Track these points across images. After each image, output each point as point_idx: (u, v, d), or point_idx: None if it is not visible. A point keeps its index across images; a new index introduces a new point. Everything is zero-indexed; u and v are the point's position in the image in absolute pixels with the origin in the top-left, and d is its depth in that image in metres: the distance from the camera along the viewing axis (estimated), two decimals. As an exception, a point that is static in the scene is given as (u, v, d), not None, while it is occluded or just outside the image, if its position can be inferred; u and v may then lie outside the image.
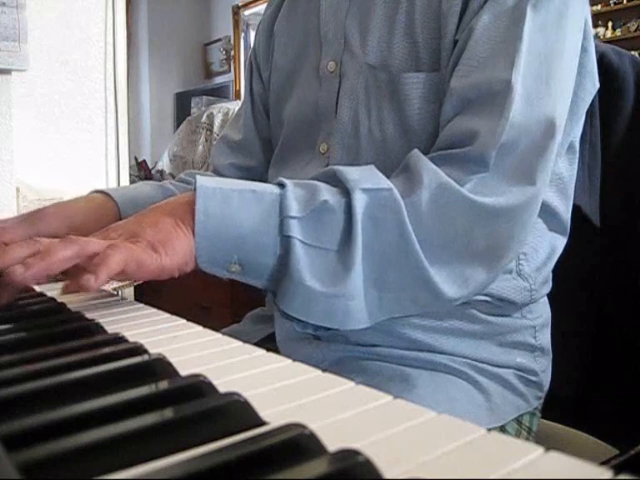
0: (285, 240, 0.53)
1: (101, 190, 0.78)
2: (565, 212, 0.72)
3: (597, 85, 0.70)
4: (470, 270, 0.58)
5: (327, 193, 0.55)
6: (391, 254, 0.55)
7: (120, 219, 0.73)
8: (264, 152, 0.88)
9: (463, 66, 0.61)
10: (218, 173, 0.91)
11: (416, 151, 0.59)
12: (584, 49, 0.65)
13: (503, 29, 0.60)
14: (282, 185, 0.56)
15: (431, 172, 0.56)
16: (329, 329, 0.57)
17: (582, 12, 0.64)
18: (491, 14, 0.60)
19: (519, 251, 0.67)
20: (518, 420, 0.72)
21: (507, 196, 0.58)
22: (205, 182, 0.54)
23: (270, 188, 0.55)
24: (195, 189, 0.53)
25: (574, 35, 0.63)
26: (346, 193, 0.55)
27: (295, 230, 0.53)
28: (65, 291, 0.48)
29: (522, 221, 0.60)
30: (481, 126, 0.58)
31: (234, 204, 0.53)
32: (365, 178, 0.56)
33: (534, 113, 0.59)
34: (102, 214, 0.73)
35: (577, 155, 0.72)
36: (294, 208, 0.53)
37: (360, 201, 0.54)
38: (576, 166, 0.73)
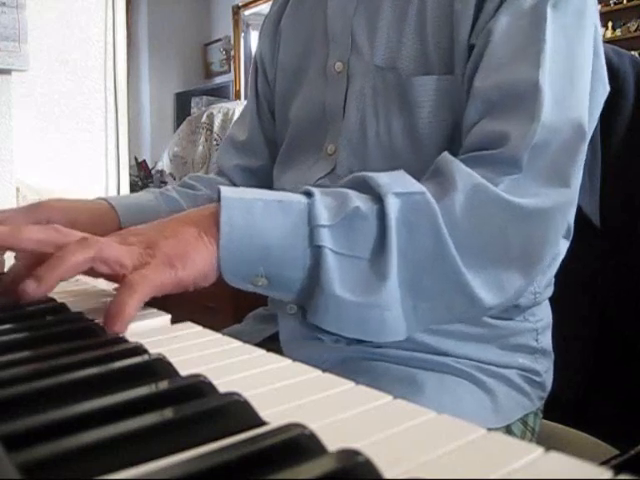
0: (315, 250, 0.51)
1: (103, 198, 0.77)
2: (571, 216, 0.72)
3: (607, 89, 0.69)
4: (506, 275, 0.56)
5: (358, 200, 0.53)
6: (426, 260, 0.53)
7: (119, 225, 0.73)
8: (270, 152, 0.88)
9: (485, 68, 0.60)
10: (223, 174, 0.90)
11: (446, 153, 0.58)
12: (595, 53, 0.65)
13: (524, 30, 0.59)
14: (309, 194, 0.53)
15: (464, 174, 0.55)
16: (361, 341, 0.55)
17: (596, 14, 0.64)
18: (510, 15, 0.60)
19: (552, 255, 0.65)
20: (524, 420, 0.72)
21: (542, 198, 0.56)
22: (229, 193, 0.51)
23: (297, 197, 0.53)
24: (219, 200, 0.51)
25: (590, 35, 0.63)
26: (378, 199, 0.53)
27: (326, 239, 0.51)
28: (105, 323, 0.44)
29: (556, 223, 0.58)
30: (512, 128, 0.57)
31: (259, 214, 0.51)
32: (396, 182, 0.54)
33: (563, 114, 0.58)
34: (100, 218, 0.73)
35: (584, 159, 0.72)
36: (324, 216, 0.51)
37: (393, 206, 0.52)
38: (582, 169, 0.73)
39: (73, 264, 0.45)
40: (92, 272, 0.47)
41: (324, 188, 0.55)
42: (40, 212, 0.67)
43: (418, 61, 0.66)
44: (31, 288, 0.45)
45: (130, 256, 0.47)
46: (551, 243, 0.59)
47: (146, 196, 0.81)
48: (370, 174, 0.56)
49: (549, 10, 0.59)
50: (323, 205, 0.52)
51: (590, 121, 0.68)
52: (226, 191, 0.52)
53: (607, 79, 0.69)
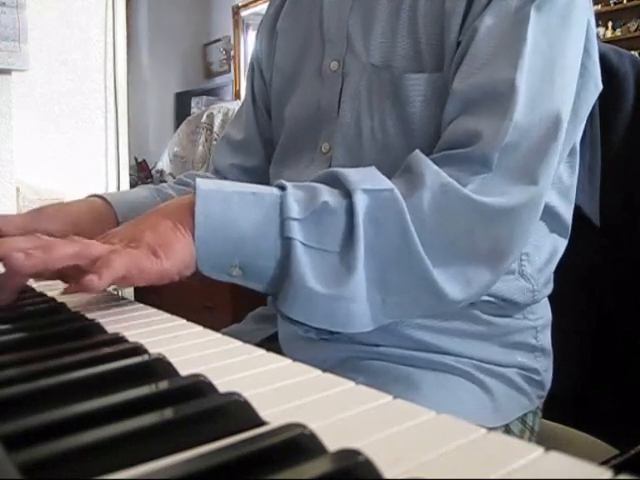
0: (286, 242, 0.52)
1: (99, 195, 0.78)
2: (567, 214, 0.72)
3: (600, 87, 0.69)
4: (473, 271, 0.57)
5: (328, 194, 0.55)
6: (393, 255, 0.55)
7: (117, 222, 0.73)
8: (266, 152, 0.88)
9: (466, 67, 0.61)
10: (219, 173, 0.90)
11: (417, 152, 0.59)
12: (586, 51, 0.65)
13: (506, 30, 0.60)
14: (282, 187, 0.55)
15: (433, 172, 0.56)
16: (332, 332, 0.56)
17: (585, 14, 0.64)
18: (495, 15, 0.60)
19: (521, 251, 0.66)
20: (523, 419, 0.72)
21: (509, 196, 0.57)
22: (204, 184, 0.53)
23: (270, 190, 0.55)
24: (195, 191, 0.53)
25: (577, 37, 0.63)
26: (347, 194, 0.55)
27: (296, 232, 0.52)
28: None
29: (524, 220, 0.59)
30: (484, 126, 0.57)
31: (234, 206, 0.52)
32: (366, 179, 0.56)
33: (537, 114, 0.59)
34: (99, 217, 0.73)
35: (577, 158, 0.72)
36: (295, 210, 0.53)
37: (361, 202, 0.54)
38: (577, 168, 0.73)
39: (61, 254, 0.47)
40: (78, 270, 0.48)
41: (298, 183, 0.57)
42: (40, 220, 0.68)
43: (411, 59, 0.66)
44: (19, 259, 0.46)
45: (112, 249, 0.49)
46: (519, 239, 0.60)
47: (142, 192, 0.82)
48: (341, 170, 0.57)
49: (533, 11, 0.59)
50: (294, 198, 0.53)
51: (578, 121, 0.68)
52: (202, 183, 0.53)
53: (600, 78, 0.69)
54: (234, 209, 0.52)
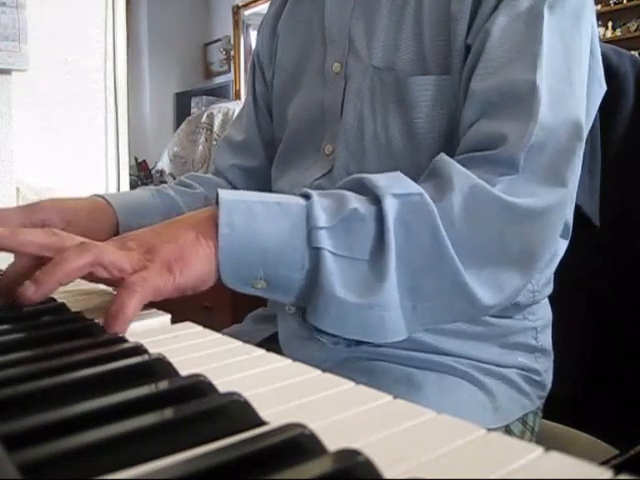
0: (314, 252, 0.51)
1: (100, 195, 0.77)
2: (568, 215, 0.72)
3: (604, 88, 0.69)
4: (505, 275, 0.56)
5: (356, 201, 0.53)
6: (425, 261, 0.53)
7: (116, 222, 0.73)
8: (267, 153, 0.88)
9: (482, 69, 0.60)
10: (220, 174, 0.90)
11: (442, 155, 0.58)
12: (592, 52, 0.65)
13: (521, 31, 0.59)
14: (307, 196, 0.53)
15: (461, 175, 0.55)
16: (361, 343, 0.55)
17: (592, 14, 0.64)
18: (507, 16, 0.60)
19: (550, 254, 0.65)
20: (523, 420, 0.72)
21: (539, 197, 0.57)
22: (227, 195, 0.51)
23: (295, 199, 0.53)
24: (217, 202, 0.51)
25: (587, 37, 0.63)
26: (376, 200, 0.53)
27: (324, 241, 0.51)
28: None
29: (553, 222, 0.59)
30: (509, 128, 0.57)
31: (259, 217, 0.50)
32: (394, 184, 0.54)
33: (561, 114, 0.58)
34: (97, 215, 0.73)
35: (581, 159, 0.72)
36: (322, 218, 0.51)
37: (391, 207, 0.52)
38: (579, 169, 0.73)
39: (72, 269, 0.45)
40: (91, 277, 0.48)
41: (322, 190, 0.55)
42: (37, 213, 0.67)
43: (415, 62, 0.66)
44: (30, 292, 0.45)
45: (129, 260, 0.47)
46: (549, 242, 0.60)
47: (143, 193, 0.82)
48: (367, 176, 0.56)
49: (546, 11, 0.59)
50: (321, 207, 0.52)
51: (587, 120, 0.68)
52: (224, 193, 0.51)
53: (604, 78, 0.69)
54: (259, 220, 0.50)
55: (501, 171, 0.56)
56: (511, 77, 0.58)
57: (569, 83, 0.60)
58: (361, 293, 0.51)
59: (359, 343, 0.55)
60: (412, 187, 0.54)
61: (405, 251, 0.52)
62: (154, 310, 0.52)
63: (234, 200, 0.51)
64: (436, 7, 0.65)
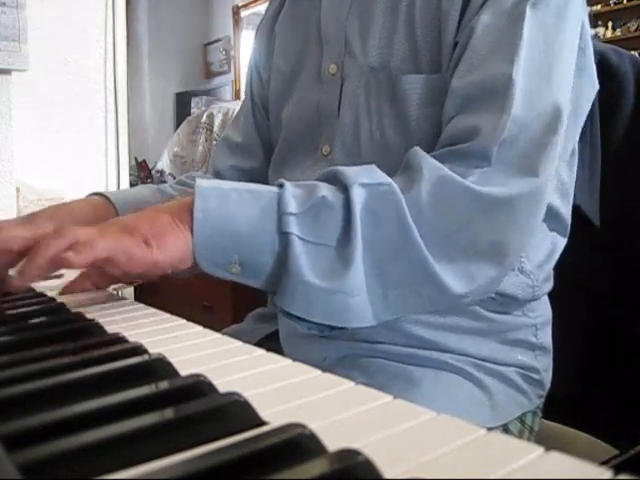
0: (283, 237, 0.53)
1: (100, 193, 0.78)
2: (566, 213, 0.72)
3: (596, 87, 0.69)
4: (476, 264, 0.57)
5: (326, 190, 0.55)
6: (393, 249, 0.55)
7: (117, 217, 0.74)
8: (265, 153, 0.88)
9: (464, 65, 0.61)
10: (219, 175, 0.90)
11: (415, 148, 0.59)
12: (581, 50, 0.65)
13: (503, 27, 0.60)
14: (281, 185, 0.56)
15: (431, 165, 0.56)
16: (334, 328, 0.56)
17: (579, 13, 0.64)
18: (491, 14, 0.61)
19: (526, 248, 0.66)
20: (521, 419, 0.72)
21: (508, 187, 0.57)
22: (204, 182, 0.54)
23: (269, 188, 0.55)
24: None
25: (572, 34, 0.63)
26: (344, 189, 0.55)
27: (293, 226, 0.53)
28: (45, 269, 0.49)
29: (525, 212, 0.59)
30: (483, 121, 0.58)
31: (232, 202, 0.53)
32: (363, 174, 0.56)
33: (535, 108, 0.59)
34: (99, 213, 0.73)
35: (576, 158, 0.72)
36: (292, 205, 0.53)
37: (359, 196, 0.54)
38: (576, 168, 0.73)
39: (52, 253, 0.48)
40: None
41: (297, 182, 0.57)
42: (39, 222, 0.67)
43: (408, 60, 0.66)
44: (15, 283, 0.49)
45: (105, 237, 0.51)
46: (521, 232, 0.59)
47: (143, 190, 0.83)
48: (341, 168, 0.58)
49: (528, 8, 0.59)
50: (292, 195, 0.54)
51: (578, 118, 0.68)
52: (202, 182, 0.54)
53: (596, 77, 0.69)
54: (232, 205, 0.53)
55: (474, 164, 0.57)
56: (490, 72, 0.59)
57: (547, 77, 0.60)
58: (326, 278, 0.53)
59: (333, 329, 0.56)
60: (381, 177, 0.56)
61: (373, 239, 0.54)
62: (154, 310, 0.52)
63: (209, 187, 0.53)
64: (427, 5, 0.66)
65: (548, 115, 0.59)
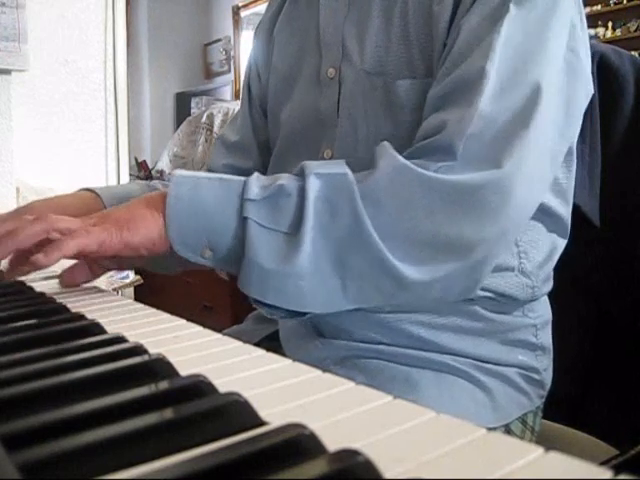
0: (244, 221, 0.56)
1: (89, 188, 0.78)
2: (565, 214, 0.72)
3: (591, 88, 0.67)
4: (439, 257, 0.56)
5: (286, 179, 0.58)
6: (348, 239, 0.56)
7: None
8: (261, 154, 0.88)
9: (446, 65, 0.61)
10: (213, 172, 0.91)
11: (383, 142, 0.60)
12: (573, 51, 0.64)
13: (484, 27, 0.60)
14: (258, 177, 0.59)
15: (388, 157, 0.57)
16: (298, 313, 0.58)
17: (569, 12, 0.63)
18: (478, 15, 0.60)
19: (505, 245, 0.63)
20: (523, 420, 0.72)
21: (470, 176, 0.56)
22: (181, 172, 0.58)
23: (238, 177, 0.59)
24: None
25: (559, 31, 0.62)
26: (302, 178, 0.57)
27: (252, 212, 0.56)
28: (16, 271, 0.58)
29: (489, 204, 0.57)
30: (450, 116, 0.58)
31: (203, 188, 0.57)
32: (323, 166, 0.58)
33: (504, 104, 0.58)
34: (87, 208, 0.74)
35: (574, 158, 0.72)
36: (254, 192, 0.57)
37: (313, 185, 0.56)
38: (574, 169, 0.72)
39: (28, 233, 0.55)
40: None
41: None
42: (28, 214, 0.68)
43: (403, 65, 0.67)
44: None
45: (83, 224, 0.57)
46: (486, 224, 0.57)
47: (132, 186, 0.84)
48: (308, 162, 0.60)
49: (512, 6, 0.59)
50: (256, 183, 0.58)
51: (573, 121, 0.66)
52: (178, 172, 0.59)
53: (590, 77, 0.68)
54: (202, 191, 0.57)
55: (439, 158, 0.57)
56: (466, 68, 0.59)
57: (523, 73, 0.59)
58: (278, 262, 0.56)
59: (298, 314, 0.58)
60: (338, 168, 0.58)
61: (328, 227, 0.56)
62: (154, 310, 0.52)
63: (184, 175, 0.58)
64: (419, 8, 0.65)
65: (519, 110, 0.58)
